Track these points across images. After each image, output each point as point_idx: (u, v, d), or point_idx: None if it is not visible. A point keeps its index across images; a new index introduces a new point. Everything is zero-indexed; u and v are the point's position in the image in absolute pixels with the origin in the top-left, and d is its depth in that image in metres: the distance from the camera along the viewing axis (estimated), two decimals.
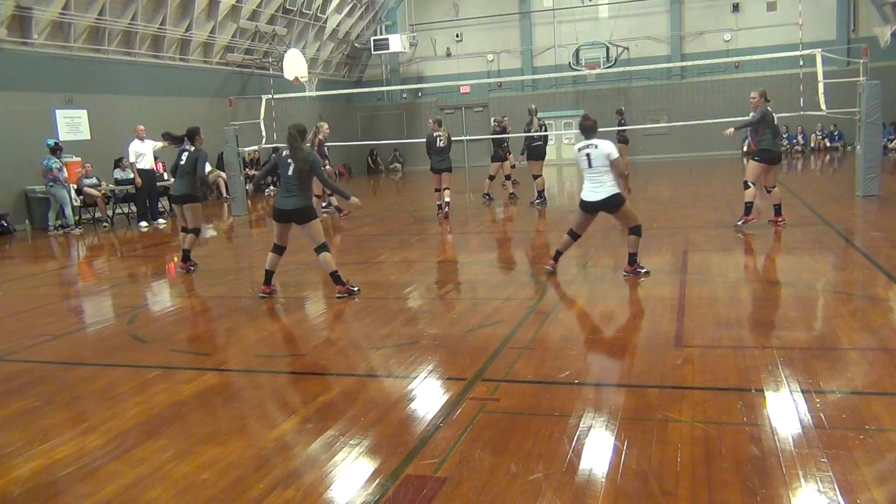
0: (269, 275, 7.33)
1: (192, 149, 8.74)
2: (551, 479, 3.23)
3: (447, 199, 12.65)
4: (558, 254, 7.50)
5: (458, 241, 10.90)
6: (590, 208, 7.17)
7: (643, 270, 7.23)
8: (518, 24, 26.64)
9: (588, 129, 7.21)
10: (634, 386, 4.36)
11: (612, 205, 7.03)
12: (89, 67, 16.12)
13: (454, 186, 12.82)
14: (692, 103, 22.18)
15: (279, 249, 7.27)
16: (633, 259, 7.21)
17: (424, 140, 13.01)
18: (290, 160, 6.92)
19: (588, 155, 7.02)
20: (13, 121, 14.18)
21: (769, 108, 9.46)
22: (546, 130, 14.17)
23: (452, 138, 12.94)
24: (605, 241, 9.90)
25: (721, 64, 22.55)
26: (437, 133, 12.56)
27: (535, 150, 13.68)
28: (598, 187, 7.00)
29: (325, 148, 13.29)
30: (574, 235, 7.40)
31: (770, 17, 24.12)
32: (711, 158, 23.11)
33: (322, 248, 7.03)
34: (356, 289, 7.18)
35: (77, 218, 14.55)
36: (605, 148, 6.98)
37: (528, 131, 13.67)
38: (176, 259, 9.21)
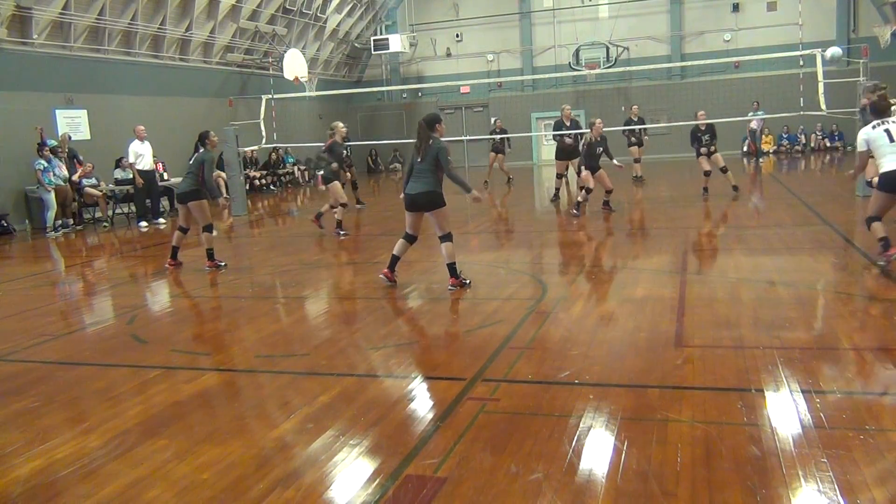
0: (393, 259, 7.37)
1: (201, 150, 9.04)
2: (551, 479, 3.23)
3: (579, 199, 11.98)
4: None
5: (458, 242, 10.88)
6: None
7: None
8: (518, 24, 26.63)
9: None
10: (634, 386, 4.36)
11: None
12: (89, 67, 16.12)
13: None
14: (692, 103, 22.09)
15: (410, 238, 7.33)
16: None
17: None
18: (423, 146, 7.09)
19: None
20: (13, 121, 14.17)
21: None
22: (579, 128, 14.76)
23: (454, 138, 13.13)
24: (606, 241, 9.91)
25: (721, 64, 22.54)
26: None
27: (564, 152, 14.23)
28: None
29: (345, 149, 13.05)
30: None
31: (770, 17, 24.10)
32: None
33: (446, 237, 7.13)
34: (468, 281, 7.26)
35: (77, 218, 14.58)
36: None
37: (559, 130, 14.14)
38: (169, 261, 9.29)
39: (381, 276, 7.42)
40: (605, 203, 12.01)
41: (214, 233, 9.23)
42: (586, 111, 23.74)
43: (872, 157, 7.29)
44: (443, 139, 7.20)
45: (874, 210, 7.17)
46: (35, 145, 13.70)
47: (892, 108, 7.69)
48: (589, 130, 11.85)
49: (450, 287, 7.17)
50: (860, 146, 7.30)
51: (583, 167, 11.70)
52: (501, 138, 17.68)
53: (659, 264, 8.08)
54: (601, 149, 11.65)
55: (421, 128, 7.16)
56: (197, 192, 8.86)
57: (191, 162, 9.16)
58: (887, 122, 7.14)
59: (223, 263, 9.11)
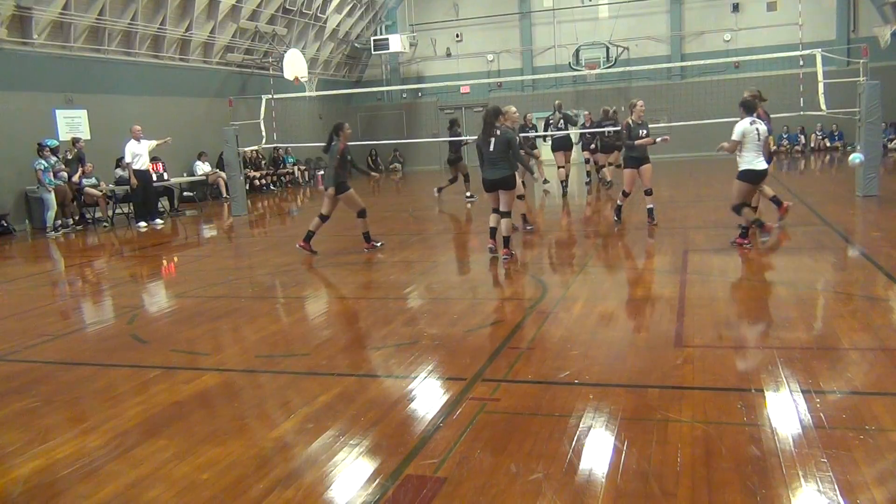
0: (493, 231, 8.50)
1: (335, 141, 9.31)
2: (551, 479, 3.23)
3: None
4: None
5: (458, 241, 10.89)
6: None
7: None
8: (518, 24, 26.63)
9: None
10: (634, 386, 4.36)
11: None
12: (89, 67, 16.12)
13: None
14: (692, 103, 22.13)
15: (498, 212, 8.42)
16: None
17: (424, 140, 13.35)
18: (490, 138, 8.12)
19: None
20: (13, 121, 14.18)
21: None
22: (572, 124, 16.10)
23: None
24: (605, 241, 9.91)
25: (721, 64, 22.51)
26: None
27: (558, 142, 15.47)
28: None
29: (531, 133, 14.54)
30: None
31: (770, 17, 24.10)
32: (712, 158, 23.06)
33: (508, 214, 8.34)
34: (514, 252, 8.44)
35: (77, 217, 14.58)
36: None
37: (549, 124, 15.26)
38: (301, 243, 9.72)
39: (488, 247, 8.57)
40: (618, 209, 10.87)
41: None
42: (587, 110, 23.74)
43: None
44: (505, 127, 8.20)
45: (740, 199, 8.25)
46: (35, 145, 13.70)
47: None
48: (629, 112, 10.71)
49: (503, 257, 8.27)
50: (736, 136, 8.07)
51: (622, 162, 10.61)
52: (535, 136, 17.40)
53: (659, 264, 8.08)
54: (644, 132, 10.42)
55: (488, 118, 8.13)
56: (343, 184, 9.28)
57: (328, 154, 9.49)
58: (756, 121, 8.09)
59: (380, 243, 9.81)
